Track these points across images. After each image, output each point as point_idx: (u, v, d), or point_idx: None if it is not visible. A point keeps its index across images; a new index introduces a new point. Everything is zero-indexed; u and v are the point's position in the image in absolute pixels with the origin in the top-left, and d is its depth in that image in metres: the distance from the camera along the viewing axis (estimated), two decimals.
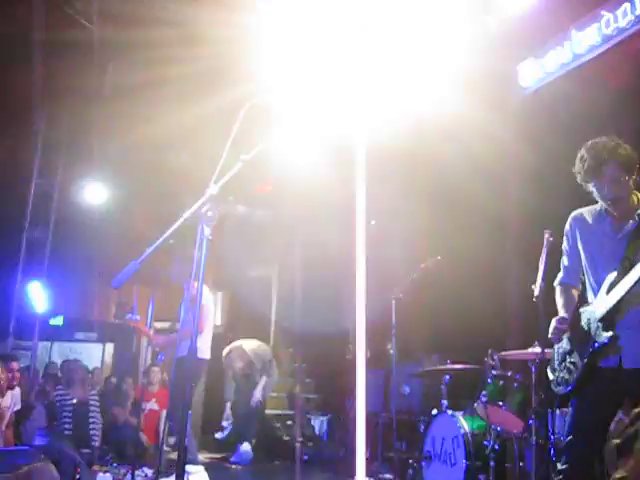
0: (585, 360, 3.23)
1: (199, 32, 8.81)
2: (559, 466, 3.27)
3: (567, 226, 3.58)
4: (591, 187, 3.35)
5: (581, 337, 3.30)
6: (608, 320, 3.20)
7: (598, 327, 3.21)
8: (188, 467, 5.92)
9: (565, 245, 3.60)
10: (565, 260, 3.63)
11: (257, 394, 9.35)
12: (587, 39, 7.19)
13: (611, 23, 6.89)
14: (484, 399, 5.33)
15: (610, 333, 3.16)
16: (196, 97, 9.25)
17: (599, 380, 3.20)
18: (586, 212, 3.48)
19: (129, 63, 8.51)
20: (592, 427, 3.18)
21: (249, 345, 9.73)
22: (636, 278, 3.07)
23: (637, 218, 3.25)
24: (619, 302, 3.16)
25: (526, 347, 5.09)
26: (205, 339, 6.51)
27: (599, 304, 3.26)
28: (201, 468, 6.33)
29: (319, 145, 9.98)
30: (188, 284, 6.18)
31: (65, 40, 7.87)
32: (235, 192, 11.30)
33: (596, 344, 3.19)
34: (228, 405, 9.55)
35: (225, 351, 9.63)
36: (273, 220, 11.89)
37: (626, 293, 3.12)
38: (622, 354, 3.15)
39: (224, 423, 9.43)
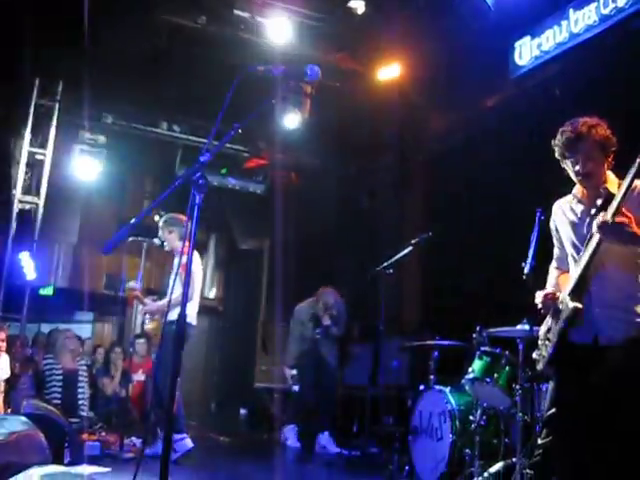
0: (558, 336, 3.29)
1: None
2: (539, 440, 3.33)
3: (551, 218, 3.65)
4: (567, 162, 3.41)
5: (557, 315, 3.34)
6: (576, 293, 3.26)
7: (568, 301, 3.27)
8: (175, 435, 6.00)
9: (553, 235, 3.66)
10: (555, 250, 3.68)
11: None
12: (585, 19, 7.15)
13: (609, 3, 6.85)
14: (472, 375, 5.37)
15: (574, 304, 3.22)
16: (194, 67, 9.22)
17: (575, 355, 3.26)
18: (564, 201, 3.56)
19: (124, 29, 8.43)
20: (571, 401, 3.22)
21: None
22: (594, 246, 3.15)
23: (602, 192, 3.28)
24: (584, 275, 3.23)
25: (514, 324, 5.12)
26: (192, 306, 6.50)
27: (570, 281, 3.33)
28: (185, 435, 6.28)
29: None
30: (180, 253, 6.29)
31: (57, 5, 7.78)
32: (229, 165, 11.32)
33: (564, 321, 3.25)
34: (293, 372, 8.36)
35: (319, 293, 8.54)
36: (266, 193, 11.88)
37: (588, 262, 3.20)
38: (598, 331, 3.20)
39: (296, 387, 8.33)
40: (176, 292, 6.13)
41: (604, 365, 3.15)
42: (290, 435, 7.94)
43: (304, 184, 11.96)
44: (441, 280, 8.84)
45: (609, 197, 3.21)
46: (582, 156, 3.32)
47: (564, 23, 7.38)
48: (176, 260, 6.45)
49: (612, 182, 3.34)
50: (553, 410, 3.28)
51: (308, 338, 8.27)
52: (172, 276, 6.36)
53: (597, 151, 3.32)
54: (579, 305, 3.20)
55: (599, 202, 3.26)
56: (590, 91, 7.04)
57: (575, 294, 3.26)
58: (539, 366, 3.41)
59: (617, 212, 3.05)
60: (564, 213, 3.51)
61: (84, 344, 9.92)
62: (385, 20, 8.79)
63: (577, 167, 3.34)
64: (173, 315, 5.75)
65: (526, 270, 4.25)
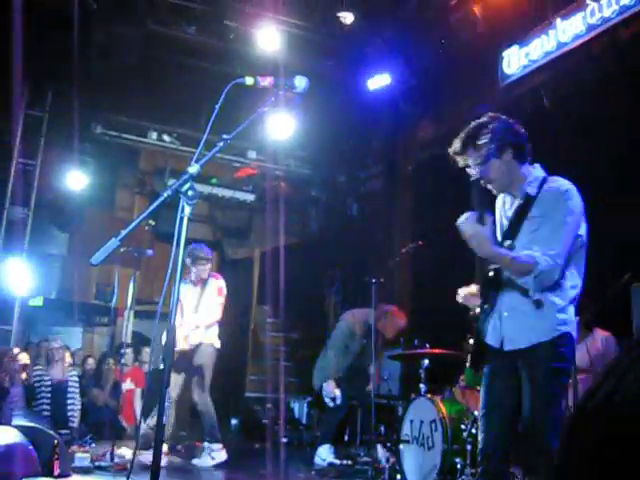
0: (475, 339, 3.34)
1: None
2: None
3: None
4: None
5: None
6: (483, 293, 3.35)
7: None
8: (213, 445, 6.82)
9: None
10: None
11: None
12: (572, 28, 7.21)
13: (596, 12, 6.92)
14: (462, 383, 5.38)
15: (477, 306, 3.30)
16: (184, 77, 9.24)
17: (493, 357, 3.27)
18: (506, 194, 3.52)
19: (114, 39, 8.45)
20: (499, 399, 3.22)
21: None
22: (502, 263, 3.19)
23: (522, 196, 3.27)
24: (486, 276, 3.30)
25: None
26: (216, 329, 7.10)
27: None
28: (220, 446, 6.85)
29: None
30: (210, 277, 7.11)
31: (48, 16, 7.79)
32: (219, 174, 11.32)
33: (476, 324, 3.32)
34: (337, 391, 7.40)
35: (377, 314, 7.40)
36: (256, 203, 11.90)
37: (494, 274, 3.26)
38: (504, 336, 3.21)
39: (332, 403, 7.47)
40: (215, 315, 6.92)
41: (510, 369, 3.18)
42: (327, 455, 7.43)
43: (294, 193, 11.98)
44: (432, 288, 8.86)
45: (528, 200, 3.22)
46: (472, 164, 3.29)
47: (552, 32, 7.44)
48: (209, 285, 7.08)
49: (532, 178, 3.28)
50: (483, 411, 3.29)
51: (352, 352, 7.59)
52: (203, 299, 7.03)
53: (485, 156, 3.25)
54: (469, 305, 3.34)
55: (518, 203, 3.29)
56: (577, 99, 7.09)
57: (483, 295, 3.33)
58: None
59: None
60: (501, 205, 3.48)
61: (74, 355, 9.87)
62: (374, 30, 8.84)
63: (473, 174, 3.33)
64: (209, 338, 6.87)
65: None
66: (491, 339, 3.27)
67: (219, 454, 6.82)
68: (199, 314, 6.96)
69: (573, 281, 3.17)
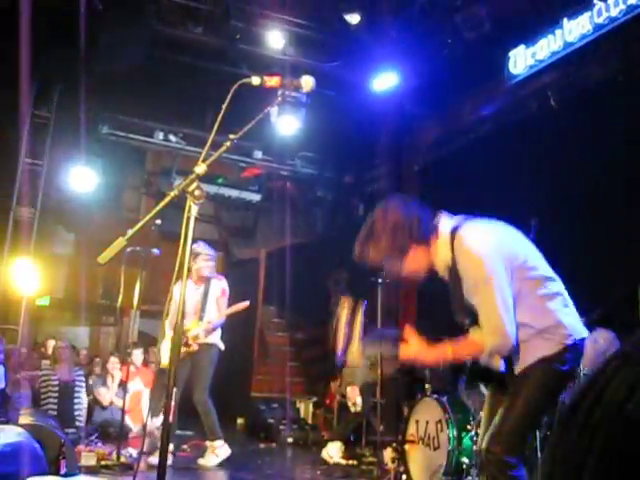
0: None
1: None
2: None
3: None
4: None
5: None
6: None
7: None
8: (215, 443, 6.83)
9: None
10: None
11: None
12: (579, 28, 7.20)
13: (603, 12, 6.91)
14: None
15: None
16: (190, 77, 9.25)
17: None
18: None
19: (121, 40, 8.46)
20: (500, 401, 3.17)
21: None
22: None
23: (444, 267, 3.25)
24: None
25: None
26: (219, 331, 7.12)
27: None
28: (222, 442, 6.86)
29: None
30: (215, 277, 7.14)
31: (55, 16, 7.81)
32: (225, 174, 11.31)
33: None
34: (357, 390, 7.67)
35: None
36: (262, 203, 11.91)
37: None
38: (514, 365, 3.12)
39: (353, 408, 7.71)
40: (213, 315, 6.92)
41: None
42: (336, 453, 7.54)
43: (300, 193, 11.99)
44: (437, 288, 8.84)
45: (452, 266, 3.17)
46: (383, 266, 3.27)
47: (558, 32, 7.42)
48: (213, 286, 7.06)
49: (442, 244, 3.22)
50: (486, 406, 3.33)
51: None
52: (208, 300, 7.03)
53: (389, 260, 3.24)
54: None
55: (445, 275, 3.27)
56: (584, 99, 7.08)
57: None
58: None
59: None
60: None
61: (80, 354, 9.90)
62: (380, 30, 8.84)
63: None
64: (211, 338, 6.87)
65: None
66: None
67: (222, 450, 6.85)
68: (207, 314, 6.96)
69: (548, 296, 3.06)
